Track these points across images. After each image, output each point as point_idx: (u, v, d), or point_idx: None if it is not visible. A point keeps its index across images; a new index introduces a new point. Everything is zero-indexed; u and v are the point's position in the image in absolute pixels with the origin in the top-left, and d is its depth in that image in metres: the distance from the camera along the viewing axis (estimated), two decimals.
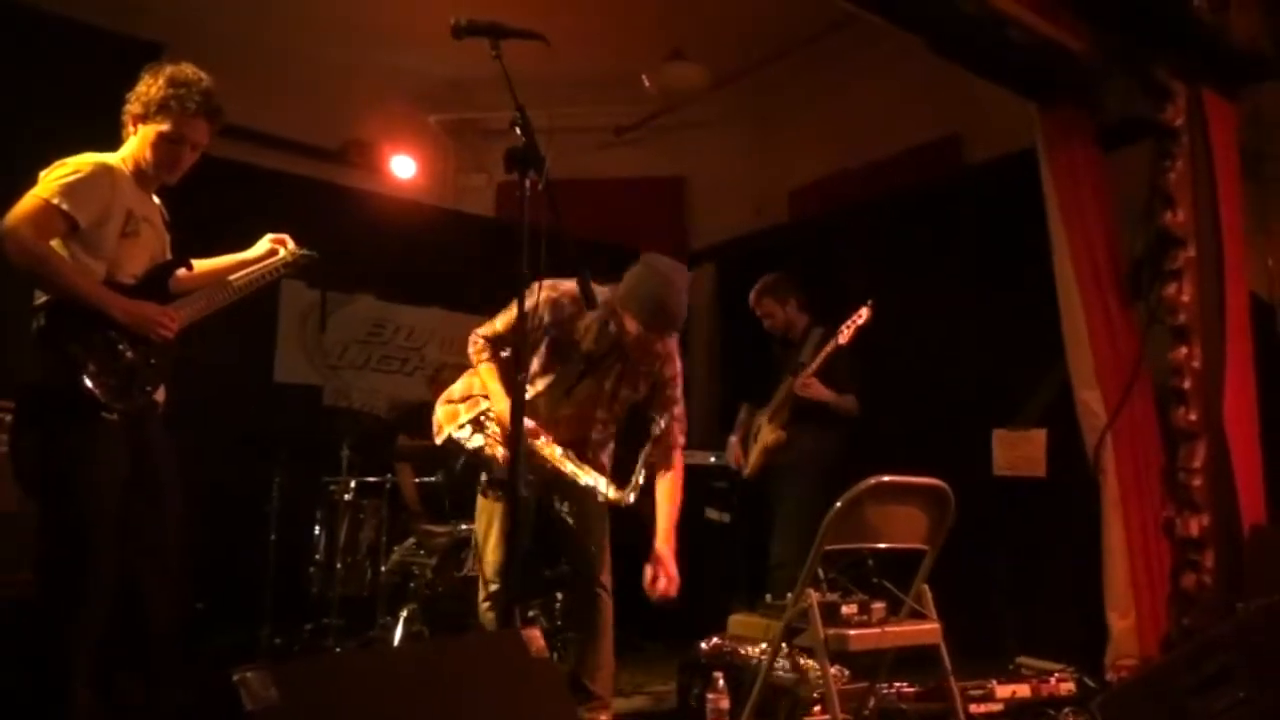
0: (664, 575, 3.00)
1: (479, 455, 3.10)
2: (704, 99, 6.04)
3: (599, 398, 3.20)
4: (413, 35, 5.35)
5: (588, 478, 2.98)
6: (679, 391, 3.27)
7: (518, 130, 2.25)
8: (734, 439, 4.83)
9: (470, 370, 3.23)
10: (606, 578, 3.26)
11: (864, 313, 4.26)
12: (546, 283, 2.99)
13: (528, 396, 2.95)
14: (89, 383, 2.37)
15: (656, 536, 3.13)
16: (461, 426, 3.14)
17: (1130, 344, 3.96)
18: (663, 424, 3.15)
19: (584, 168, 6.27)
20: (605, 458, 3.27)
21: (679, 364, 3.28)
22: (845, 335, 4.26)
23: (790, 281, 4.76)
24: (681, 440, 3.27)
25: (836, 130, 6.10)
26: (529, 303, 2.81)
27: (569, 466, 3.01)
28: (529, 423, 2.90)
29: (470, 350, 3.20)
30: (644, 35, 5.48)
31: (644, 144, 6.77)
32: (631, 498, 2.93)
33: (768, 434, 4.55)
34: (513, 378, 2.78)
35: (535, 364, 3.13)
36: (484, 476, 3.17)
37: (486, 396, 3.14)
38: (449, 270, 5.89)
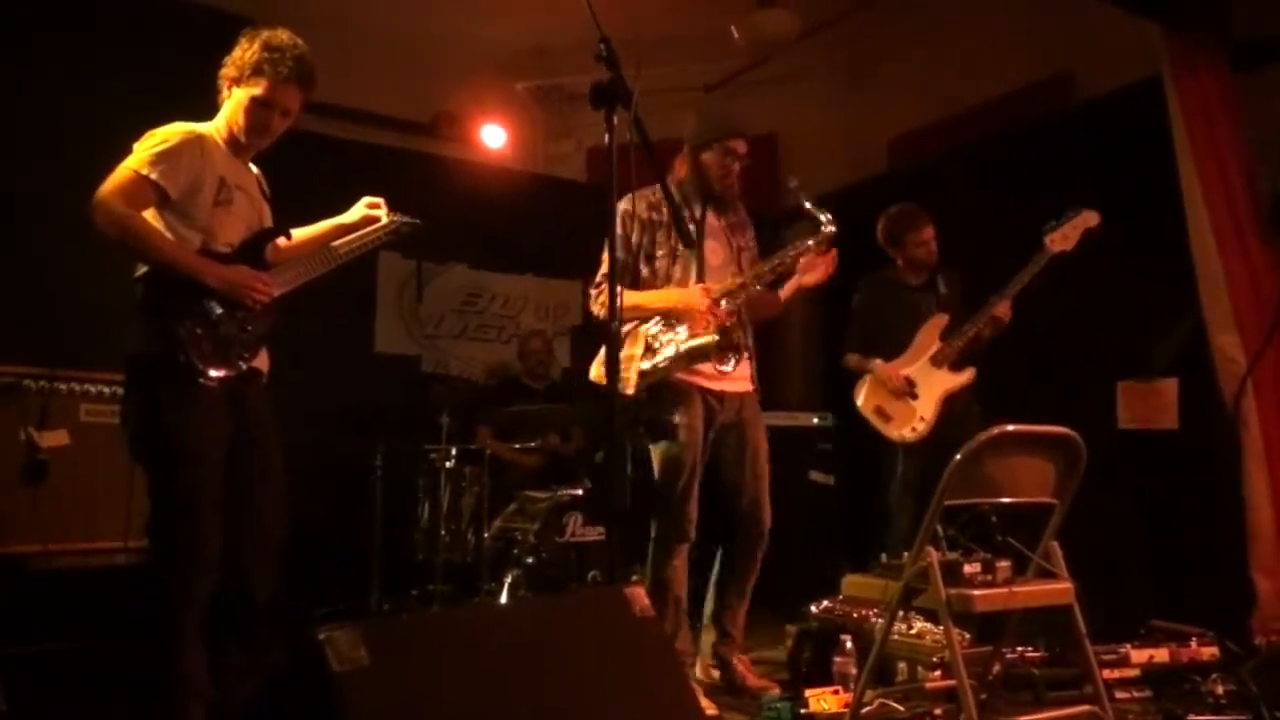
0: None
1: (688, 355, 3.06)
2: (793, 50, 5.81)
3: (729, 260, 3.32)
4: (495, 3, 5.31)
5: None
6: None
7: (603, 64, 2.14)
8: (870, 409, 4.03)
9: (628, 333, 3.17)
10: (768, 522, 3.29)
11: (1093, 216, 3.68)
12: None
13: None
14: (185, 349, 2.37)
15: None
16: (643, 358, 3.12)
17: (1272, 284, 3.70)
18: None
19: (674, 128, 6.11)
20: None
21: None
22: (1071, 242, 3.68)
23: None
24: None
25: (936, 75, 5.78)
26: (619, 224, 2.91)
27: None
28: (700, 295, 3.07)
29: (595, 306, 3.20)
30: None
31: (733, 101, 6.54)
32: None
33: (949, 378, 3.98)
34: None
35: (662, 263, 3.24)
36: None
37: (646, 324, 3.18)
38: (541, 237, 5.85)
